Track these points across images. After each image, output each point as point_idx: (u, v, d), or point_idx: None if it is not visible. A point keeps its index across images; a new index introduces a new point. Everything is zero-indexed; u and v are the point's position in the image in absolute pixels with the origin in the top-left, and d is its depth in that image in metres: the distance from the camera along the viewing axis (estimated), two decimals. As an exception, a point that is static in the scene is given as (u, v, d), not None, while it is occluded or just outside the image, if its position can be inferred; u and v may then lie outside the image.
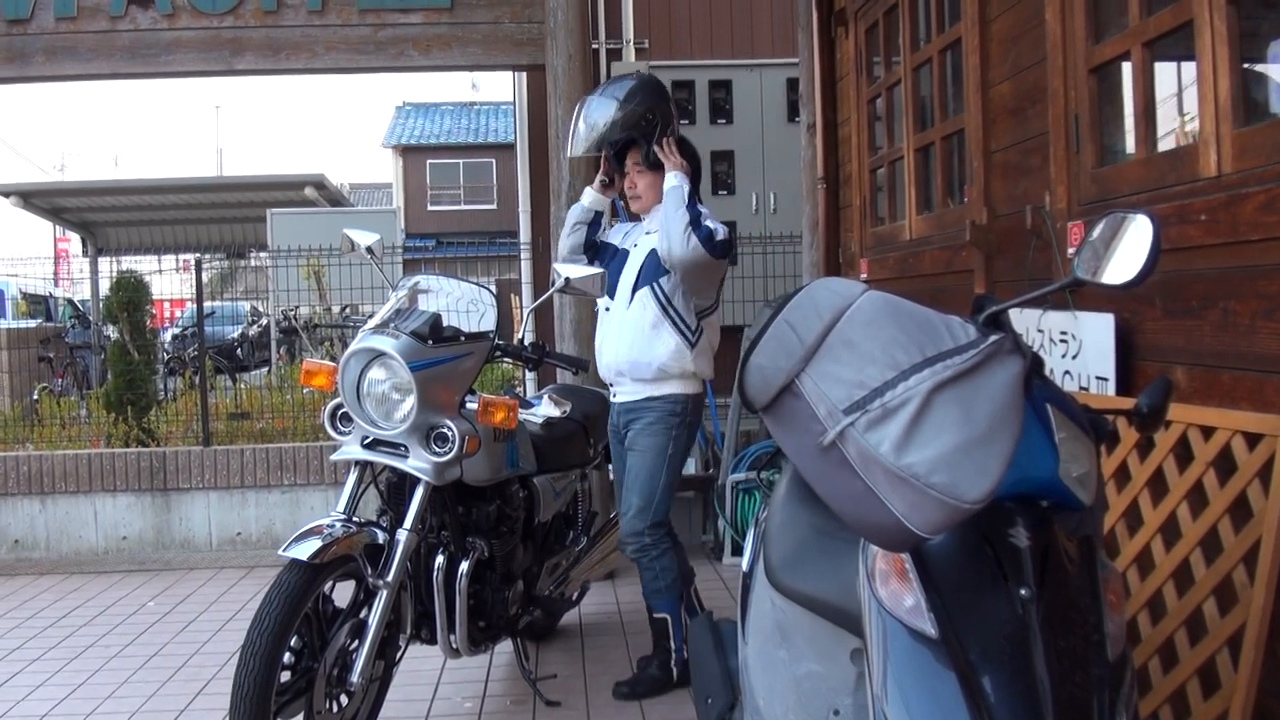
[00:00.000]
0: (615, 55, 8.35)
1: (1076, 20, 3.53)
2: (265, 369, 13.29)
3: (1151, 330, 3.15)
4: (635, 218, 4.65)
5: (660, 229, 4.29)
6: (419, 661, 4.53)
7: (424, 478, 3.63)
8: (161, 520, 7.12)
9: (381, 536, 3.57)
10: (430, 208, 31.94)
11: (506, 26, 6.77)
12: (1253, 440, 2.63)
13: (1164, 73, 3.46)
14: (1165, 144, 3.40)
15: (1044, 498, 1.84)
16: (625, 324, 4.39)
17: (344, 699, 3.47)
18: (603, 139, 4.47)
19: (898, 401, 1.63)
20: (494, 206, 31.18)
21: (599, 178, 4.59)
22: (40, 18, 6.71)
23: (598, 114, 4.48)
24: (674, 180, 4.31)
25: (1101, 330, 3.30)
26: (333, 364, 3.78)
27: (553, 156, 6.45)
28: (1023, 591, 1.71)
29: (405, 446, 3.64)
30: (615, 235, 4.62)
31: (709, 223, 4.20)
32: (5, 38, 6.71)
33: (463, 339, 3.82)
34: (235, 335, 16.00)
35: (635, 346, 4.35)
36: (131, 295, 8.18)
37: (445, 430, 3.62)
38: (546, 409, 4.67)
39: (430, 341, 3.65)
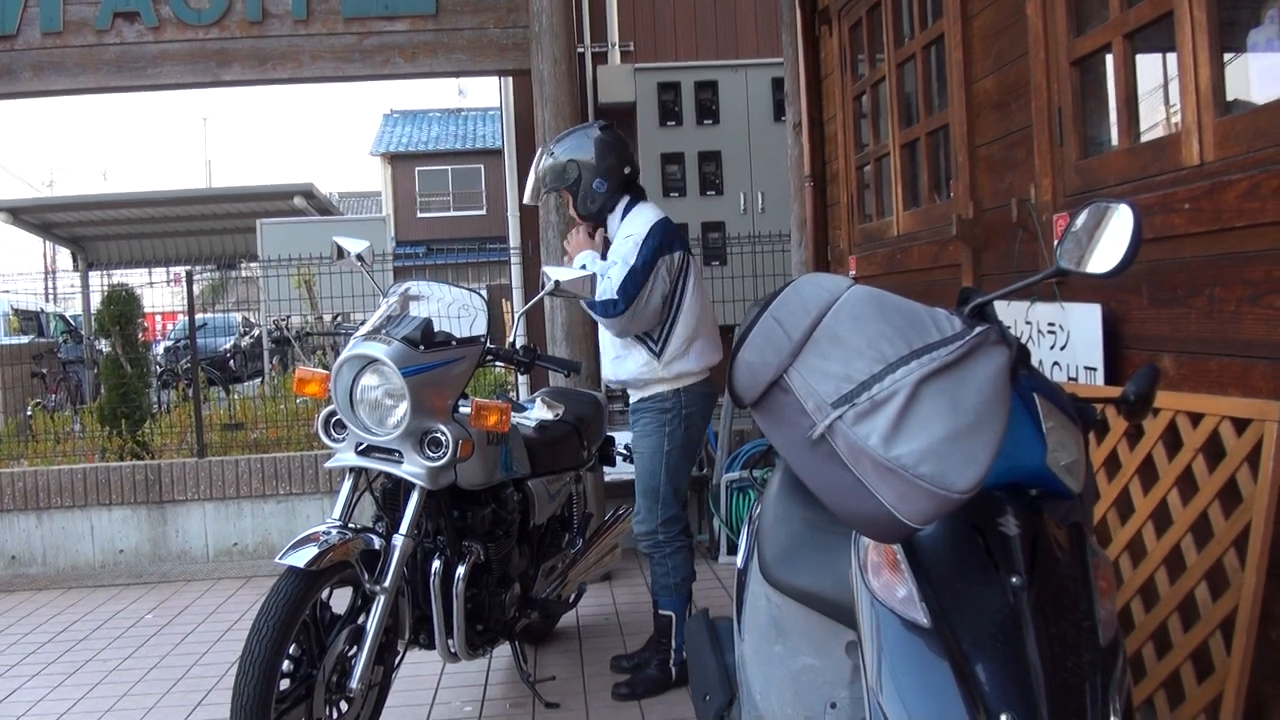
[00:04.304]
0: (601, 58, 8.37)
1: (1058, 14, 3.55)
2: (258, 380, 13.28)
3: (1138, 319, 3.17)
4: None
5: None
6: (418, 666, 4.54)
7: (419, 483, 3.63)
8: (158, 533, 7.11)
9: (378, 542, 3.57)
10: (419, 215, 31.91)
11: (491, 32, 6.78)
12: (1240, 425, 2.65)
13: (1145, 64, 3.48)
14: (1148, 134, 3.42)
15: (1033, 486, 1.86)
16: (605, 340, 4.58)
17: (344, 705, 3.47)
18: (536, 189, 4.64)
19: (885, 394, 1.65)
20: (483, 212, 31.20)
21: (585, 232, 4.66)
22: (26, 33, 6.71)
23: (537, 165, 4.63)
24: (577, 262, 4.45)
25: (1089, 321, 3.31)
26: (325, 372, 3.78)
27: (540, 161, 6.46)
28: (1014, 579, 1.72)
29: (399, 452, 3.65)
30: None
31: (599, 290, 4.23)
32: (-9, 54, 6.71)
33: (454, 344, 3.82)
34: (228, 346, 16.01)
35: (614, 364, 4.51)
36: (123, 309, 8.20)
37: (439, 435, 3.62)
38: (540, 412, 4.69)
39: (422, 347, 3.65)
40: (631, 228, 4.40)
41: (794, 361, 1.73)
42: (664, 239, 4.35)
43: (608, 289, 4.25)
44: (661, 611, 4.47)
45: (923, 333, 1.72)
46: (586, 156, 4.48)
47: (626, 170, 4.53)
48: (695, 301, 4.44)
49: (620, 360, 4.46)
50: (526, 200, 4.79)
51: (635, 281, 4.25)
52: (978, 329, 1.73)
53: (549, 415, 4.67)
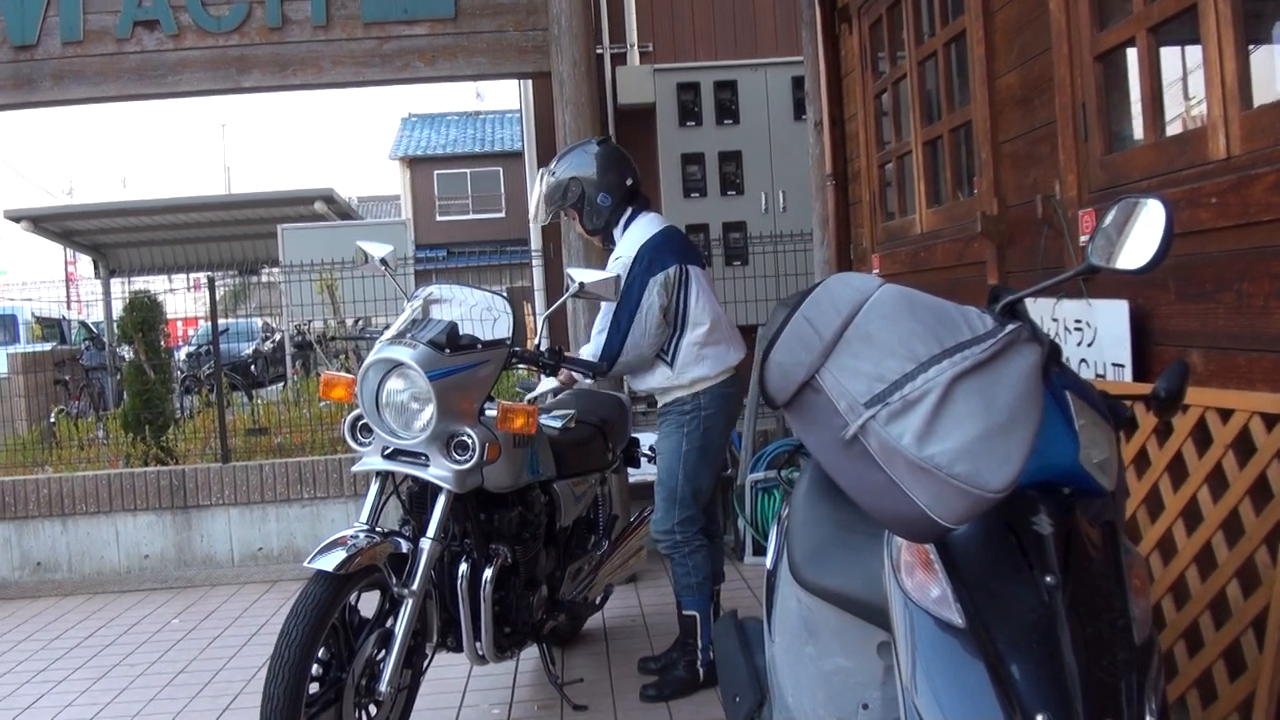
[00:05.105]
0: (620, 60, 8.38)
1: (1080, 8, 3.53)
2: (281, 384, 13.32)
3: (1166, 315, 3.15)
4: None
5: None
6: (446, 669, 4.55)
7: (445, 486, 3.64)
8: (183, 538, 7.15)
9: (405, 546, 3.58)
10: (439, 218, 31.98)
11: (511, 35, 6.78)
12: (1271, 421, 2.63)
13: (1170, 57, 3.47)
14: (1173, 128, 3.41)
15: (1065, 485, 1.85)
16: None
17: (372, 708, 3.49)
18: (541, 211, 4.67)
19: (918, 393, 1.64)
20: (502, 215, 31.27)
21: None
22: (46, 43, 6.74)
23: (540, 187, 4.66)
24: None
25: (1116, 317, 3.30)
26: (351, 376, 3.80)
27: (560, 163, 6.47)
28: (1048, 578, 1.71)
29: (426, 455, 3.65)
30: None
31: (592, 347, 4.48)
32: (12, 64, 6.73)
33: (479, 346, 3.82)
34: (249, 352, 16.06)
35: (635, 377, 4.54)
36: (145, 315, 8.24)
37: (465, 438, 3.63)
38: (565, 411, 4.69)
39: (447, 350, 3.65)
40: (623, 248, 4.45)
41: (826, 361, 1.73)
42: (651, 259, 4.35)
43: (595, 349, 4.42)
44: (685, 612, 4.47)
45: (954, 331, 1.71)
46: (588, 173, 4.52)
47: (628, 182, 4.55)
48: (703, 308, 4.40)
49: (642, 374, 4.49)
50: (534, 221, 4.83)
51: (614, 343, 4.36)
52: (1009, 327, 1.72)
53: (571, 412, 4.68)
